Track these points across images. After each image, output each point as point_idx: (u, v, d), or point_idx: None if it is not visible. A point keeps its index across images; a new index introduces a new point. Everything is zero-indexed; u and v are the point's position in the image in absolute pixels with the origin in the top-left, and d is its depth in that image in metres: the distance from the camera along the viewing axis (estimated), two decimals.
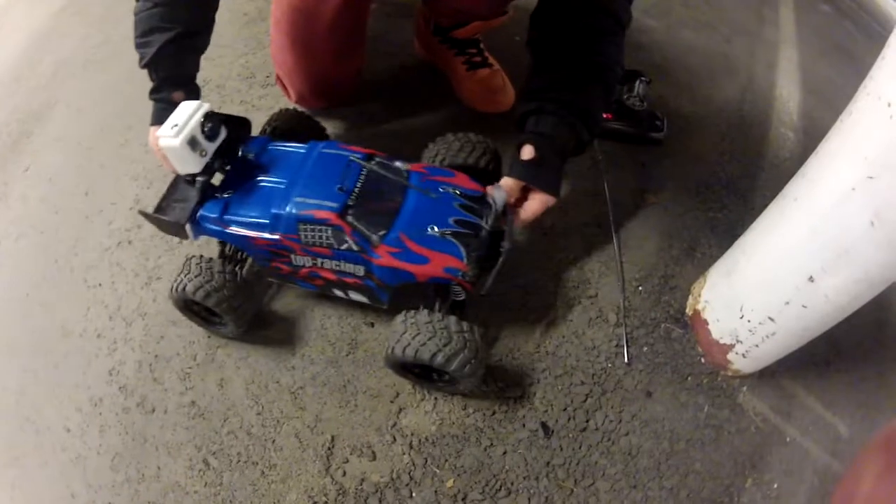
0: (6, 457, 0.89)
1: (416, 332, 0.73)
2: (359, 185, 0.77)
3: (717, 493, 0.84)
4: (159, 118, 0.81)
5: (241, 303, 0.82)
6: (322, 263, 0.79)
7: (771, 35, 1.60)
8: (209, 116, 0.75)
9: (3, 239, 1.14)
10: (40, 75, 1.48)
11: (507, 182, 0.81)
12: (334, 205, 0.73)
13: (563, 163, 0.84)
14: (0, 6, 1.78)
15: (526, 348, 0.91)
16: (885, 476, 0.41)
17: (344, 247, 0.75)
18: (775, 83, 1.44)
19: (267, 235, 0.77)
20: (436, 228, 0.76)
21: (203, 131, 0.75)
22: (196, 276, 0.79)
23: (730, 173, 1.18)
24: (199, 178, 0.78)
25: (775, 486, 0.86)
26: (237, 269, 0.82)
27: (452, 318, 0.74)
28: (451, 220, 0.77)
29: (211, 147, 0.77)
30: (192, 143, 0.74)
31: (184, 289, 0.79)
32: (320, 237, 0.75)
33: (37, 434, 0.89)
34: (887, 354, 1.03)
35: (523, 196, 0.84)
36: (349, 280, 0.80)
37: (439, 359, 0.71)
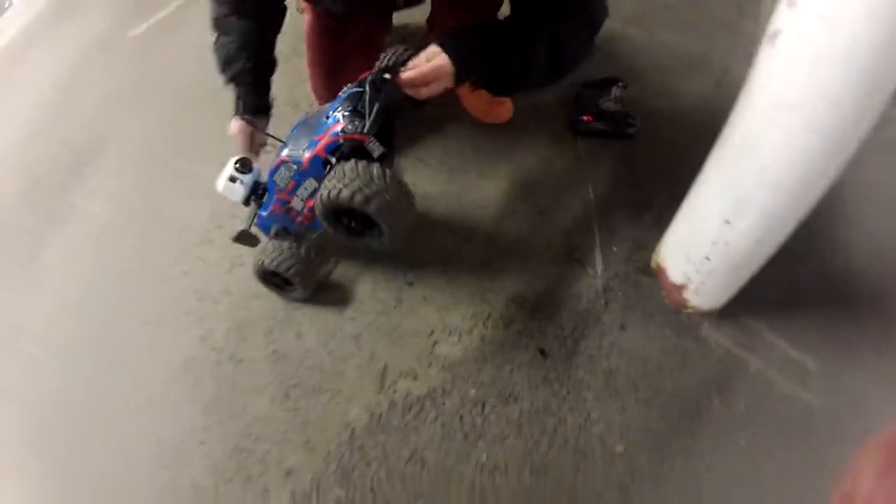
0: (104, 410, 1.17)
1: (342, 176, 0.81)
2: (294, 131, 1.01)
3: (688, 409, 1.07)
4: (237, 109, 1.11)
5: (306, 270, 1.10)
6: (301, 195, 1.01)
7: (750, 27, 1.68)
8: (240, 160, 1.06)
9: (84, 248, 1.44)
10: (84, 109, 1.79)
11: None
12: (283, 153, 0.98)
13: (473, 71, 0.94)
14: (24, 43, 2.14)
15: (525, 295, 1.17)
16: (885, 475, 0.44)
17: (292, 172, 0.98)
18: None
19: (274, 202, 1.05)
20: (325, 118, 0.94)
21: (236, 168, 1.05)
22: (271, 254, 1.07)
23: (699, 156, 1.43)
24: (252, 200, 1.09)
25: (742, 408, 1.07)
26: (299, 246, 1.11)
27: (376, 166, 0.82)
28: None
29: (247, 177, 1.06)
30: (232, 179, 1.05)
31: (263, 264, 1.07)
32: (284, 177, 1.00)
33: (128, 392, 1.17)
34: (857, 299, 1.22)
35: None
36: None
37: (358, 198, 0.80)
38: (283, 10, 1.14)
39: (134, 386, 1.19)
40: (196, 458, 1.09)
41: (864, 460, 0.47)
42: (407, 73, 0.90)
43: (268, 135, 1.14)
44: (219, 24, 1.10)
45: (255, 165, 1.09)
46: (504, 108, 1.43)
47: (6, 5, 2.75)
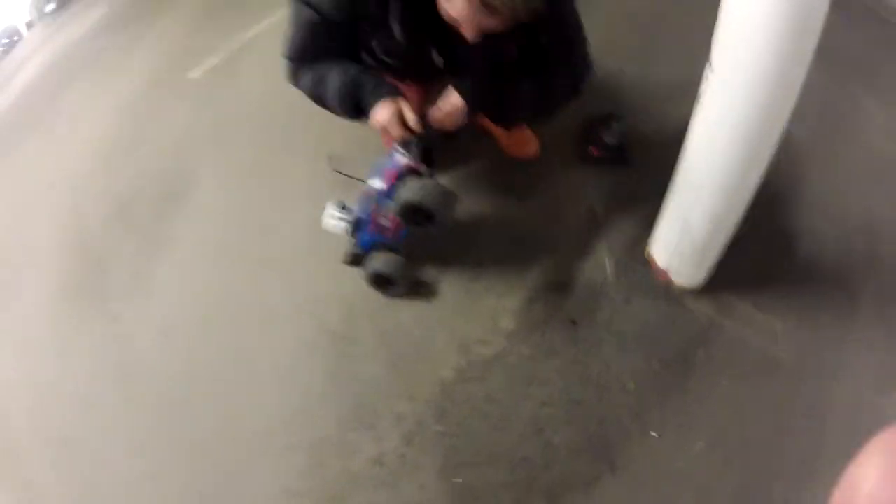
0: (239, 386, 1.59)
1: (413, 187, 1.32)
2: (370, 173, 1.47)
3: (679, 358, 1.50)
4: (373, 100, 1.35)
5: (405, 273, 1.56)
6: (385, 213, 1.47)
7: None
8: (337, 203, 1.51)
9: (194, 264, 1.84)
10: (160, 144, 2.20)
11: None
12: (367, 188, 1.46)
13: (483, 106, 1.41)
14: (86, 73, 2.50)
15: (557, 282, 1.64)
16: (887, 476, 0.42)
17: (376, 198, 1.44)
18: None
19: (369, 225, 1.51)
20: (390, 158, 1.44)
21: (337, 209, 1.50)
22: (379, 262, 1.53)
23: None
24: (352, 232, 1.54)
25: (719, 357, 1.50)
26: (397, 253, 1.56)
27: (431, 181, 1.34)
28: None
29: (346, 214, 1.50)
30: (334, 218, 1.49)
31: (374, 270, 1.53)
32: (371, 204, 1.46)
33: (259, 369, 1.60)
34: (819, 273, 1.64)
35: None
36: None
37: (426, 199, 1.31)
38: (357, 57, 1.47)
39: (265, 362, 1.60)
40: (321, 414, 1.49)
41: (865, 461, 0.45)
42: (433, 114, 1.38)
43: (350, 176, 1.57)
44: (305, 72, 1.41)
45: (349, 205, 1.52)
46: (531, 146, 1.88)
47: (15, 39, 3.19)
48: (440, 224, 1.39)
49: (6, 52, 3.20)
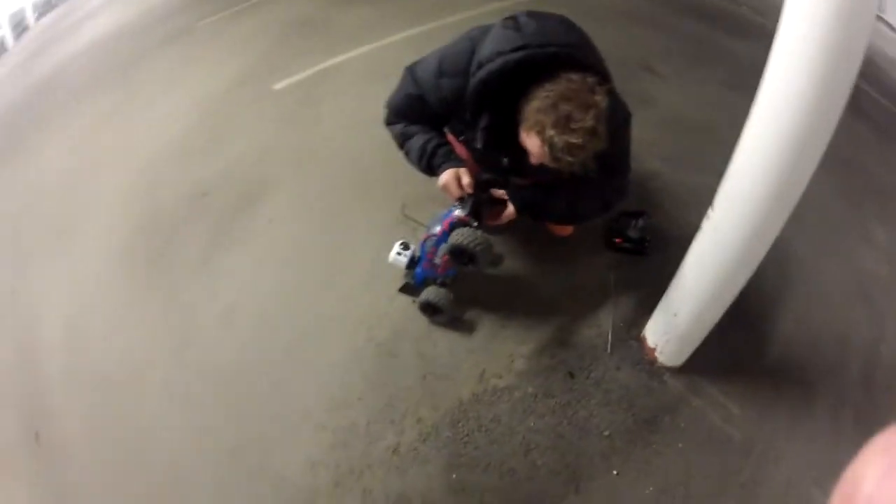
0: (269, 370, 2.04)
1: (463, 233, 1.66)
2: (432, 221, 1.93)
3: (647, 418, 1.87)
4: (440, 165, 1.76)
5: (451, 306, 1.98)
6: (439, 254, 1.86)
7: None
8: (402, 243, 1.95)
9: (262, 261, 2.24)
10: (242, 148, 2.60)
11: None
12: (428, 232, 1.90)
13: (523, 206, 1.82)
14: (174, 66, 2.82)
15: (565, 340, 2.04)
16: (887, 477, 0.42)
17: (434, 241, 1.87)
18: None
19: (425, 262, 1.94)
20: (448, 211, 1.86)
21: (401, 247, 1.94)
22: (431, 294, 1.96)
23: None
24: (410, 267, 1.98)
25: (682, 425, 1.89)
26: (445, 287, 1.99)
27: (478, 231, 1.68)
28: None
29: (408, 252, 1.95)
30: (398, 254, 1.94)
31: (428, 299, 1.96)
32: (429, 245, 1.89)
33: (309, 361, 2.06)
34: (780, 372, 1.98)
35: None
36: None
37: (471, 244, 1.66)
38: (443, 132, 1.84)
39: (314, 356, 1.96)
40: (355, 406, 1.84)
41: (865, 460, 0.44)
42: (492, 220, 1.84)
43: (416, 221, 2.02)
44: (404, 134, 1.77)
45: (412, 245, 1.97)
46: (567, 228, 2.30)
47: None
48: (479, 265, 1.77)
49: None
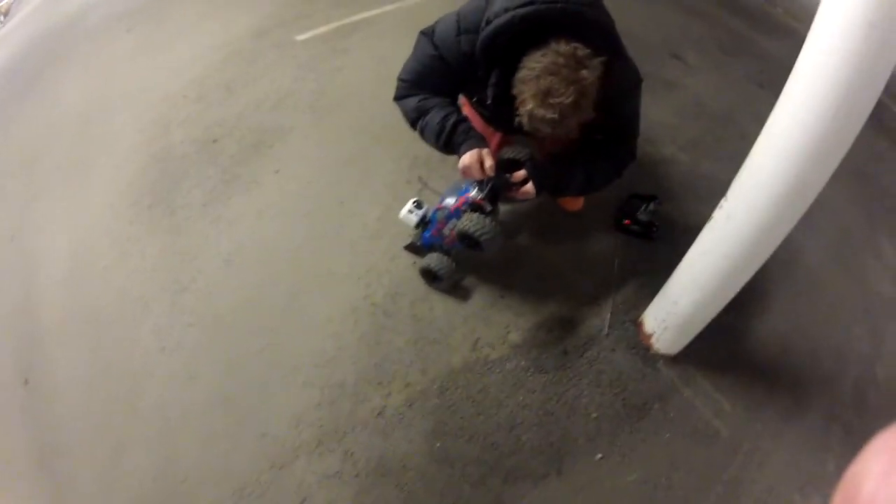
0: (265, 321, 2.00)
1: (471, 220, 1.64)
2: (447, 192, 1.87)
3: (636, 404, 1.85)
4: (463, 145, 1.66)
5: (451, 274, 1.94)
6: (448, 227, 1.81)
7: None
8: (415, 201, 1.90)
9: (268, 210, 2.19)
10: (259, 96, 2.53)
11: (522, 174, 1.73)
12: (442, 203, 1.85)
13: (542, 185, 1.71)
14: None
15: (564, 318, 2.00)
16: (889, 476, 0.42)
17: (446, 214, 1.82)
18: None
19: (434, 229, 1.89)
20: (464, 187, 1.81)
21: (414, 205, 1.89)
22: (433, 260, 1.91)
23: None
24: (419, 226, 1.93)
25: (671, 415, 1.87)
26: (448, 256, 1.94)
27: (487, 217, 1.65)
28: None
29: (420, 212, 1.90)
30: (410, 212, 1.89)
31: (428, 265, 1.91)
32: (441, 216, 1.84)
33: (306, 314, 2.02)
34: (774, 373, 1.97)
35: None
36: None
37: (478, 232, 1.63)
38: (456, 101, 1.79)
39: (311, 309, 1.95)
40: (344, 364, 1.84)
41: (866, 461, 0.44)
42: (511, 194, 1.74)
43: (431, 188, 1.96)
44: (411, 97, 1.70)
45: (425, 205, 1.93)
46: (578, 202, 2.25)
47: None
48: (485, 253, 1.75)
49: None
